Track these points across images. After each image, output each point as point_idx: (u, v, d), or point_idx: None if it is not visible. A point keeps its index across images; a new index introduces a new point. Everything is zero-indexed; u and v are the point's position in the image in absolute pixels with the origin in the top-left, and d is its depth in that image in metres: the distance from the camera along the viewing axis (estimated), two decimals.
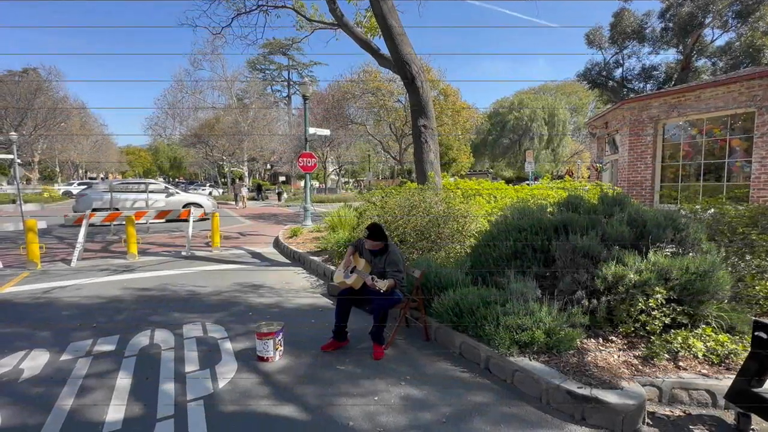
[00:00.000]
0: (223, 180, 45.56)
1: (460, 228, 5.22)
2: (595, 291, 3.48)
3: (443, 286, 3.94)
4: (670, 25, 26.91)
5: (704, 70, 28.47)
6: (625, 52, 30.06)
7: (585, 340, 3.28)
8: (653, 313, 3.17)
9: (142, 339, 3.82)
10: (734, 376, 2.83)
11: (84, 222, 7.18)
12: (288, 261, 7.75)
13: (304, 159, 10.68)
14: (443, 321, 3.68)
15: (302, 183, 45.38)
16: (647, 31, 28.49)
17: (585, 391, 2.58)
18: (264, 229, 12.67)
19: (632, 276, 3.31)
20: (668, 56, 33.75)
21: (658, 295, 3.14)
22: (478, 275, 4.24)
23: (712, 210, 5.31)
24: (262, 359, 3.34)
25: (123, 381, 3.01)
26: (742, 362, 2.98)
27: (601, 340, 3.30)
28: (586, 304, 3.42)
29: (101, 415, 2.57)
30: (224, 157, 29.13)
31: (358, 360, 3.40)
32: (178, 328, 4.09)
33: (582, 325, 3.30)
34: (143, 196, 11.60)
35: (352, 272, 3.74)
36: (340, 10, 7.50)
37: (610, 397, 2.51)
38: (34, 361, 3.33)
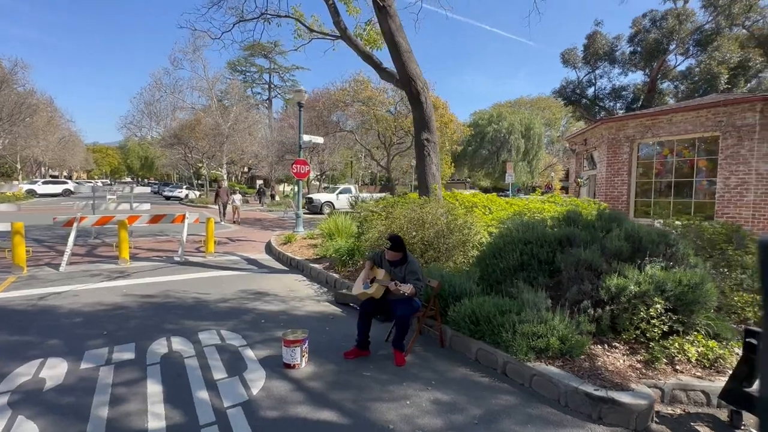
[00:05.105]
0: (199, 182, 44.33)
1: (464, 239, 5.46)
2: (600, 301, 3.78)
3: (458, 296, 4.15)
4: (639, 49, 28.79)
5: (668, 93, 30.55)
6: (597, 72, 31.85)
7: (592, 347, 3.56)
8: (653, 321, 3.50)
9: (159, 347, 3.80)
10: (724, 378, 3.18)
11: (74, 225, 6.94)
12: (285, 268, 7.75)
13: (298, 166, 10.71)
14: (460, 329, 3.88)
15: (281, 187, 44.83)
16: (617, 53, 30.34)
17: (601, 392, 2.84)
18: (252, 235, 12.54)
19: (633, 287, 3.64)
20: (636, 78, 36.08)
21: (658, 305, 3.47)
22: (486, 285, 4.49)
23: (679, 223, 5.82)
24: (288, 366, 3.42)
25: (154, 389, 3.02)
26: (729, 365, 3.36)
27: (606, 346, 3.59)
28: (592, 312, 3.72)
29: (142, 423, 2.60)
30: (204, 160, 28.44)
31: (380, 367, 3.54)
32: (194, 336, 4.09)
33: (589, 332, 3.59)
34: None
35: (372, 283, 3.88)
36: (344, 23, 7.67)
37: (624, 398, 2.78)
38: (54, 370, 3.27)
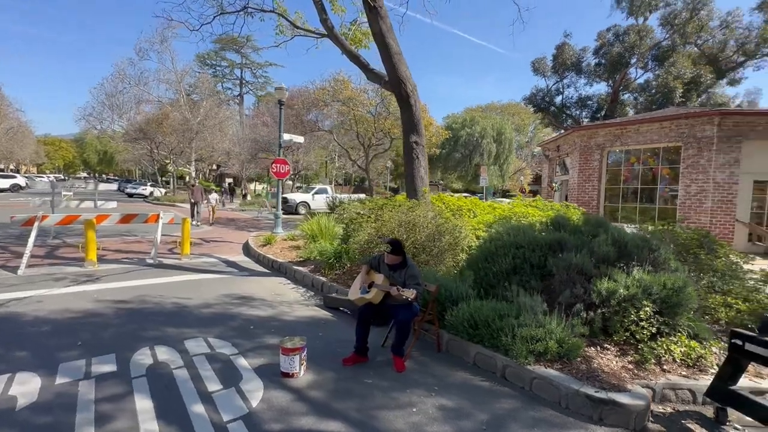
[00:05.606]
0: (164, 179, 42.31)
1: (455, 242, 5.50)
2: (591, 304, 3.91)
3: (455, 300, 4.17)
4: (603, 61, 30.36)
5: (628, 104, 32.42)
6: (564, 81, 33.27)
7: (586, 348, 3.67)
8: (641, 323, 3.66)
9: (143, 357, 3.55)
10: (707, 376, 3.37)
11: (35, 224, 6.38)
12: (267, 270, 7.52)
13: (277, 165, 10.45)
14: (458, 333, 3.89)
15: (252, 186, 43.54)
16: (584, 64, 31.84)
17: (602, 394, 2.92)
18: (227, 235, 12.09)
19: (622, 291, 3.79)
20: (600, 89, 38.09)
21: (647, 308, 3.64)
22: (480, 288, 4.53)
23: (652, 228, 6.16)
24: (287, 375, 3.29)
25: (143, 404, 2.81)
26: (710, 364, 3.56)
27: (598, 348, 3.72)
28: (584, 315, 3.84)
29: None
30: (171, 156, 27.12)
31: (380, 373, 3.49)
32: (179, 345, 3.85)
33: (582, 335, 3.70)
34: None
35: (369, 288, 3.81)
36: (330, 21, 7.55)
37: (623, 399, 2.88)
38: (25, 386, 2.97)
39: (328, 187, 24.31)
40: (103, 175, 73.36)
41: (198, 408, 2.79)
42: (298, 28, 8.21)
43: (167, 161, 28.85)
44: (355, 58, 7.58)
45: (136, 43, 34.00)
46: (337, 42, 7.57)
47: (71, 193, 19.36)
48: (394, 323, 3.67)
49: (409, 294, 3.39)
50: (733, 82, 29.31)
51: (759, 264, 6.06)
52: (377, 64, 8.00)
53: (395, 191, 43.78)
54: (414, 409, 2.92)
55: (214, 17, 7.89)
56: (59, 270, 6.50)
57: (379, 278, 3.82)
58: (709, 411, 3.14)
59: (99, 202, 9.88)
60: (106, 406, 2.76)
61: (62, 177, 62.99)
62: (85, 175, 79.83)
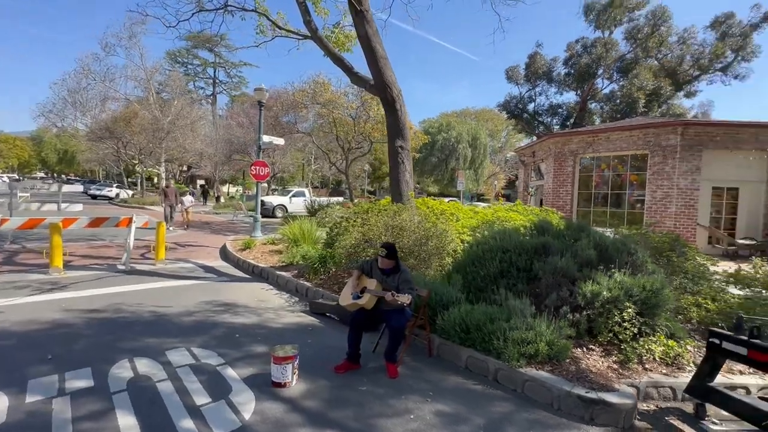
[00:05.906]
0: (131, 180, 40.53)
1: (441, 246, 5.54)
2: (577, 306, 4.03)
3: (445, 304, 4.18)
4: (572, 71, 31.66)
5: (596, 113, 33.93)
6: (536, 89, 34.44)
7: (573, 350, 3.78)
8: (624, 324, 3.81)
9: (122, 371, 3.35)
10: (685, 374, 3.55)
11: None
12: (247, 276, 7.30)
13: (257, 167, 10.21)
14: (449, 337, 3.91)
15: (225, 188, 42.32)
16: (554, 74, 33.07)
17: (592, 394, 3.01)
18: (202, 240, 11.67)
19: (605, 293, 3.93)
20: (570, 97, 39.75)
21: (630, 310, 3.79)
22: (468, 292, 4.58)
23: (626, 232, 6.47)
24: (279, 385, 3.19)
25: (126, 421, 2.64)
26: (686, 362, 3.75)
27: (584, 349, 3.83)
28: (571, 317, 3.95)
29: None
30: (140, 157, 25.91)
31: (374, 380, 3.45)
32: (161, 356, 3.66)
33: (569, 336, 3.81)
34: None
35: (361, 293, 3.77)
36: (314, 23, 7.47)
37: (612, 398, 2.98)
38: None
39: (306, 190, 23.98)
40: (63, 175, 69.27)
41: (187, 423, 2.66)
42: (280, 28, 8.07)
43: (135, 162, 27.58)
44: (339, 61, 7.53)
45: (101, 38, 32.17)
46: (321, 44, 7.50)
47: (28, 194, 18.16)
48: (388, 329, 3.64)
49: (405, 299, 3.38)
50: (689, 95, 31.27)
51: (721, 265, 6.46)
52: (360, 68, 7.98)
53: (373, 194, 43.80)
54: (411, 416, 2.90)
55: (193, 14, 7.63)
56: (21, 277, 6.05)
57: (371, 283, 3.78)
58: (689, 407, 3.30)
59: (63, 205, 9.30)
60: (85, 425, 2.58)
61: (17, 177, 58.93)
62: (42, 174, 75.18)
